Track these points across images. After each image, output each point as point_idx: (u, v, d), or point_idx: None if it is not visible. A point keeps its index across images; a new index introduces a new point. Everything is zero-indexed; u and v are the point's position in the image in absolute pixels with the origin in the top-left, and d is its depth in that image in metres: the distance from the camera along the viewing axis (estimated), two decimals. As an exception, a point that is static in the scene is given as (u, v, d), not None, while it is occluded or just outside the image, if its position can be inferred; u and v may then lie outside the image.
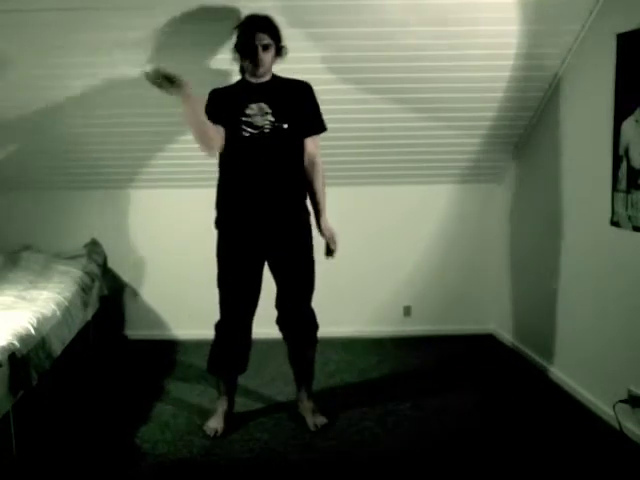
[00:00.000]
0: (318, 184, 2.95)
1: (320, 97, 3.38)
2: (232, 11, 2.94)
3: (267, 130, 2.79)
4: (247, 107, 2.78)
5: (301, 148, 2.91)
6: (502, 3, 2.99)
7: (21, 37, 3.06)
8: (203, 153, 2.82)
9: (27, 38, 3.06)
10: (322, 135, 3.37)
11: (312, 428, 2.97)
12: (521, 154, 3.98)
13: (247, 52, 2.75)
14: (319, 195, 2.96)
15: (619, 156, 2.89)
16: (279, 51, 2.81)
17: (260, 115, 2.79)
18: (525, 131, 3.84)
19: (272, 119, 2.78)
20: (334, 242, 2.99)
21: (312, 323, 3.02)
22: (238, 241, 2.88)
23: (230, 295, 2.92)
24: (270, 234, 2.87)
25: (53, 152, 3.82)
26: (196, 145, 3.93)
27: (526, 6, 3.00)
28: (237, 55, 2.82)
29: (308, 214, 2.97)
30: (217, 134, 2.78)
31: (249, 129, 2.79)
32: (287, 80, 2.89)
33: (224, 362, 3.00)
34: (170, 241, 4.19)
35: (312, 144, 2.93)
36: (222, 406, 3.03)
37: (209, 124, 2.73)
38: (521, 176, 4.02)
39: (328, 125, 3.61)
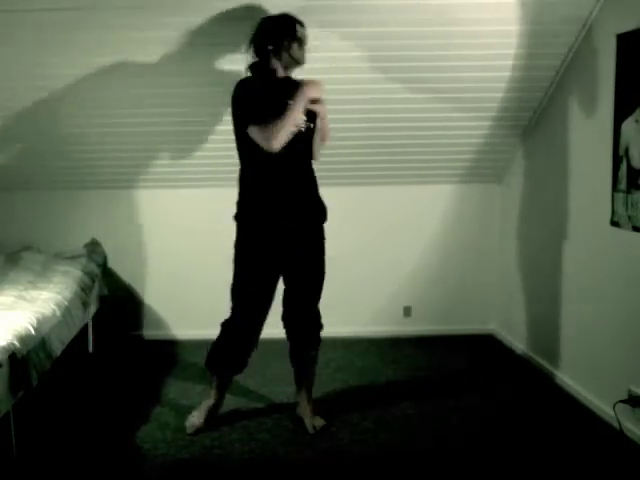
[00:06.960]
0: None
1: (322, 97, 3.35)
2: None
3: (303, 129, 2.79)
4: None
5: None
6: (502, 3, 3.00)
7: (21, 37, 3.06)
8: (268, 147, 2.62)
9: (27, 38, 3.06)
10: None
11: (310, 430, 2.96)
12: (521, 154, 3.98)
13: (303, 53, 2.76)
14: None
15: (619, 156, 2.89)
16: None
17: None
18: (525, 131, 3.84)
19: (305, 117, 2.78)
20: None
21: (317, 324, 3.01)
22: (260, 243, 2.80)
23: (245, 300, 2.86)
24: (292, 233, 2.84)
25: (53, 152, 3.82)
26: (197, 145, 3.94)
27: (526, 6, 3.01)
28: (276, 48, 2.72)
29: (325, 215, 2.94)
30: None
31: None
32: (292, 78, 2.84)
33: (223, 362, 2.99)
34: (170, 241, 4.18)
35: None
36: (208, 401, 3.03)
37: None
38: (521, 176, 4.01)
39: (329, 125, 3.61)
